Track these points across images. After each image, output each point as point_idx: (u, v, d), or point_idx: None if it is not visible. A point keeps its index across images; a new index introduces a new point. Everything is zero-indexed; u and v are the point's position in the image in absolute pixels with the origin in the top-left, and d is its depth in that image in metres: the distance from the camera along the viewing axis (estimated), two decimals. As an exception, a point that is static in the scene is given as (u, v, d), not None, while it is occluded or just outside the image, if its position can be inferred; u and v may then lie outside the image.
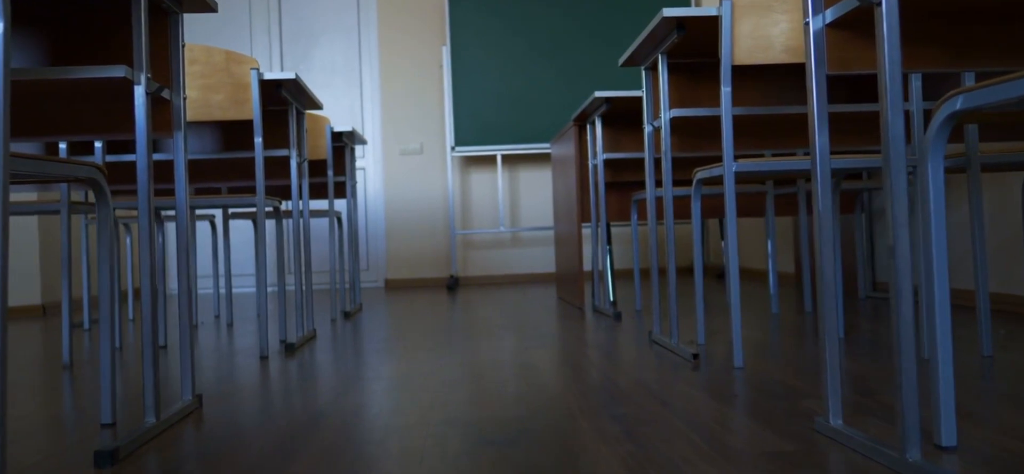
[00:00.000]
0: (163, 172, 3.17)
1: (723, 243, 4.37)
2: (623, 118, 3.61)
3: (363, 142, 4.20)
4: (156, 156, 3.04)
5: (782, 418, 1.49)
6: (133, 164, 3.10)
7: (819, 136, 1.34)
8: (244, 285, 6.26)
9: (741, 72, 2.52)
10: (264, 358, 2.55)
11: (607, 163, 3.80)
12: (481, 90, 5.92)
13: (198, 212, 5.42)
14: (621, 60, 2.56)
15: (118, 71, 1.53)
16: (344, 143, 4.03)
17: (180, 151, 1.80)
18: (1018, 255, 3.00)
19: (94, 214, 3.47)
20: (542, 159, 6.33)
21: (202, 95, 2.59)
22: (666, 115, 2.34)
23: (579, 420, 1.54)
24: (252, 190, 3.70)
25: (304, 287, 3.31)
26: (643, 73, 2.54)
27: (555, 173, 4.35)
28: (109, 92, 1.72)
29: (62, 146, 2.67)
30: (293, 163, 2.87)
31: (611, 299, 3.65)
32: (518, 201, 6.31)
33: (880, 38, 1.14)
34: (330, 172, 3.63)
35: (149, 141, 1.62)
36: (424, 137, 6.28)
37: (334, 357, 2.52)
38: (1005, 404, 1.53)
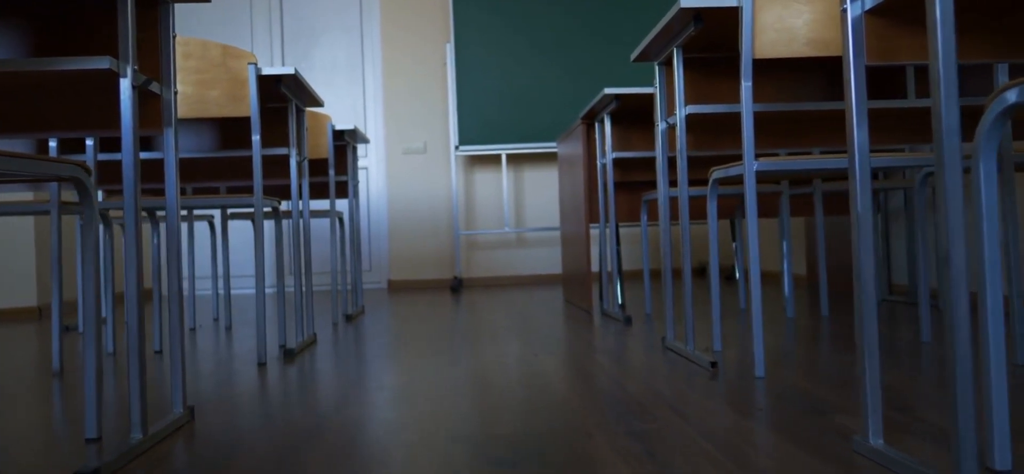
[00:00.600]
0: (158, 170, 3.07)
1: (734, 244, 4.26)
2: (632, 116, 3.50)
3: (365, 141, 4.10)
4: (151, 154, 2.94)
5: (814, 435, 1.38)
6: (128, 163, 3.00)
7: (858, 132, 1.24)
8: (245, 286, 6.17)
9: (759, 67, 2.41)
10: (262, 365, 2.45)
11: (615, 162, 3.69)
12: (485, 88, 5.82)
13: (196, 212, 5.33)
14: (633, 55, 2.45)
15: (102, 62, 1.43)
16: (346, 142, 3.93)
17: (170, 148, 1.70)
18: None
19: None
20: (547, 158, 6.23)
21: (198, 91, 2.49)
22: (681, 112, 2.24)
23: (595, 437, 1.44)
24: (251, 190, 3.60)
25: (304, 290, 3.21)
26: (656, 68, 2.44)
27: (561, 172, 4.25)
28: (95, 85, 1.62)
29: (53, 144, 2.57)
30: (293, 162, 2.77)
31: (620, 302, 3.54)
32: (523, 201, 6.20)
33: (932, 24, 1.03)
34: (331, 171, 3.53)
35: (135, 137, 1.52)
36: (427, 136, 6.17)
37: (334, 364, 2.42)
38: (1053, 420, 1.42)
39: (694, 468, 1.23)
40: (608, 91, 3.10)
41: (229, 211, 5.10)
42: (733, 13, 2.01)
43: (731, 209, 3.85)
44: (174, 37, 1.74)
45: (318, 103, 2.94)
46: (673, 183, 3.49)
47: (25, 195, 4.62)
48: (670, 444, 1.37)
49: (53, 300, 2.49)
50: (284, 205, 5.59)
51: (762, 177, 2.17)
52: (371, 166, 6.21)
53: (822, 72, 2.46)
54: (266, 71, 2.53)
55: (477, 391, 1.91)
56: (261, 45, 6.14)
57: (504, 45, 5.83)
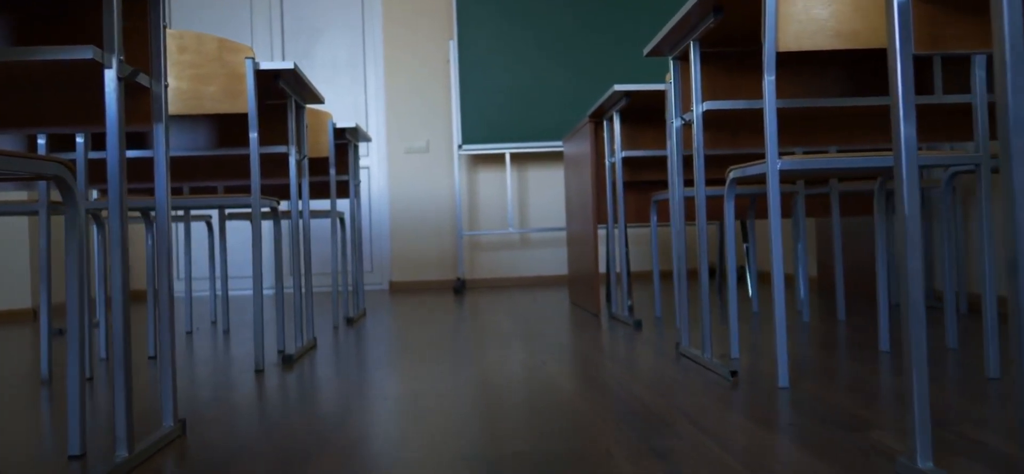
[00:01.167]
0: (153, 168, 2.97)
1: (745, 246, 4.16)
2: (641, 114, 3.40)
3: (367, 139, 4.00)
4: (145, 152, 2.84)
5: (853, 455, 1.28)
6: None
7: (904, 126, 1.14)
8: (244, 287, 6.06)
9: (779, 61, 2.31)
10: (259, 372, 2.35)
11: (625, 161, 3.59)
12: (489, 86, 5.72)
13: (193, 212, 5.22)
14: (647, 49, 2.35)
15: (85, 52, 1.33)
16: (347, 140, 3.83)
17: (161, 144, 1.60)
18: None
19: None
20: (552, 158, 6.12)
21: (193, 86, 2.39)
22: (698, 108, 2.14)
23: (615, 456, 1.34)
24: (249, 189, 3.50)
25: (304, 292, 3.11)
26: (671, 63, 2.33)
27: (568, 172, 4.15)
28: (80, 78, 1.52)
29: (41, 141, 2.47)
30: (292, 160, 2.67)
31: (629, 305, 3.44)
32: (527, 201, 6.10)
33: (998, 6, 0.93)
34: (332, 170, 3.43)
35: (121, 131, 1.42)
36: (430, 135, 6.07)
37: (335, 372, 2.32)
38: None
39: (726, 493, 1.13)
40: (618, 88, 2.99)
41: (227, 211, 4.99)
42: (755, 3, 1.91)
43: (742, 210, 3.75)
44: (165, 28, 1.64)
45: (318, 100, 2.83)
46: (686, 182, 3.38)
47: (19, 195, 4.52)
48: (696, 464, 1.27)
49: (41, 304, 2.39)
50: (283, 205, 5.49)
51: (783, 177, 2.07)
52: (373, 165, 6.11)
53: (840, 66, 2.35)
54: (264, 66, 2.43)
55: (485, 403, 1.80)
56: (261, 43, 6.04)
57: (508, 43, 5.73)
